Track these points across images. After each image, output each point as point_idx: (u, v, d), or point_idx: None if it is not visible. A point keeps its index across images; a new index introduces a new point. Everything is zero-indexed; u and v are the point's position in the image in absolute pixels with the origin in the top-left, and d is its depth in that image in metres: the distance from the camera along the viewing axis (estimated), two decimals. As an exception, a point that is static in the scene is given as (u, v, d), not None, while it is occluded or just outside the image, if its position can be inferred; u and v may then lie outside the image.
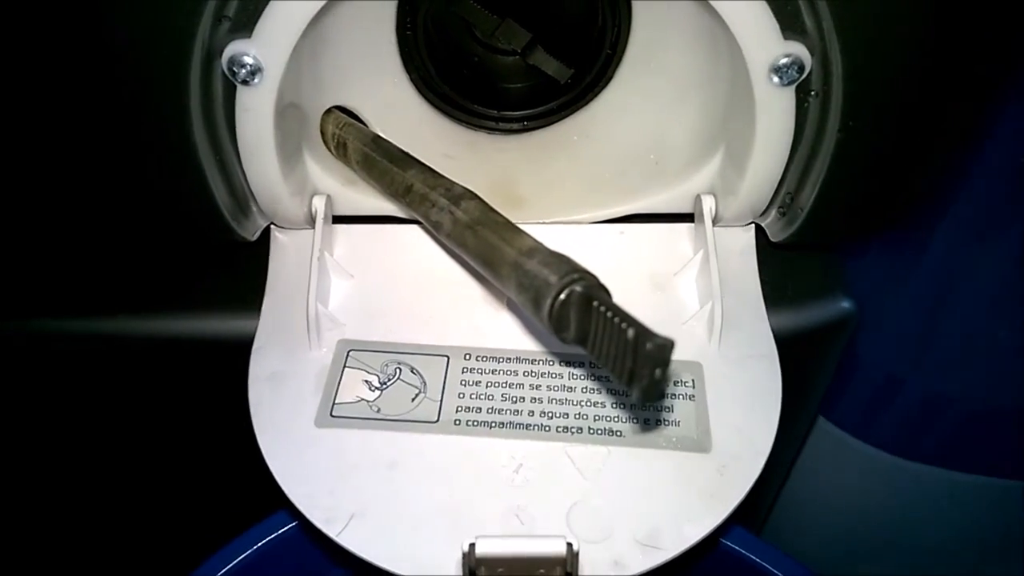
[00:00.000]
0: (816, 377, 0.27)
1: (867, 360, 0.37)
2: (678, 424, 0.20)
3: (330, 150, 0.23)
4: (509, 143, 0.25)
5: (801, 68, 0.18)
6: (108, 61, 0.17)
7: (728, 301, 0.21)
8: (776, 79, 0.18)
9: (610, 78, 0.23)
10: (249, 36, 0.17)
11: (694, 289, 0.22)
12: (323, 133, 0.23)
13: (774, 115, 0.19)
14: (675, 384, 0.21)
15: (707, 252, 0.22)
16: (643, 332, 0.13)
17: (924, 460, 0.39)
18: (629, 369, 0.13)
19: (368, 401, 0.20)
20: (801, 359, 0.25)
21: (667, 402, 0.20)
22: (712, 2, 0.18)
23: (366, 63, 0.22)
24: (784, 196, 0.21)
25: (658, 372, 0.13)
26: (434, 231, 0.18)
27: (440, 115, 0.24)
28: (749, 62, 0.18)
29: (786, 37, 0.18)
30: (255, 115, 0.19)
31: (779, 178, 0.20)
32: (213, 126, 0.19)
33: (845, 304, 0.24)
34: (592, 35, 0.23)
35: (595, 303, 0.14)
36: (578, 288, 0.14)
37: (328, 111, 0.23)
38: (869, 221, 0.23)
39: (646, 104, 0.23)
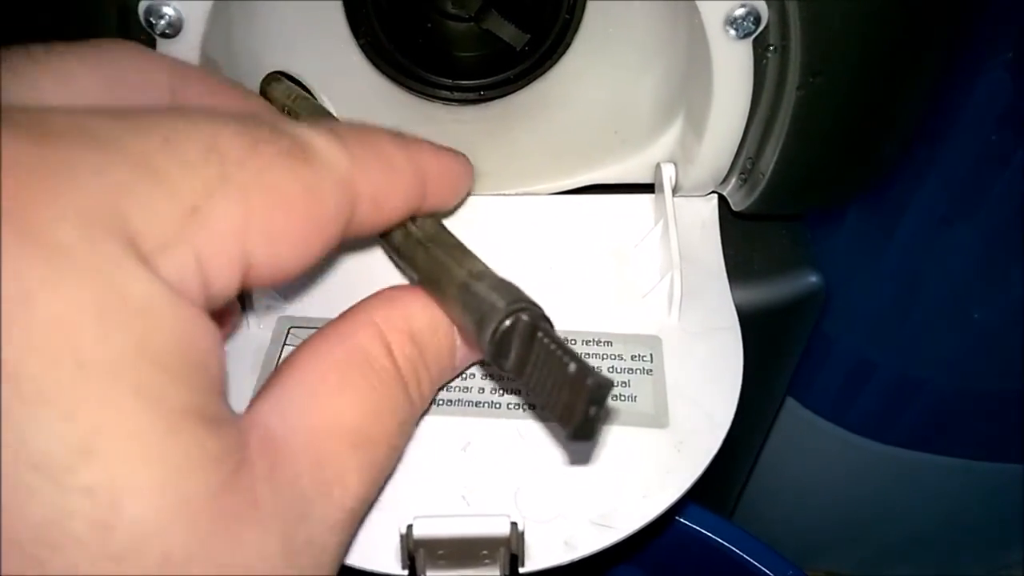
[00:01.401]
0: (784, 355, 0.26)
1: (838, 341, 0.37)
2: (635, 399, 0.19)
3: (274, 119, 0.22)
4: (465, 114, 0.24)
5: (757, 19, 0.17)
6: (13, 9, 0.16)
7: (689, 273, 0.21)
8: (732, 31, 0.17)
9: (568, 44, 0.22)
10: (169, -15, 0.16)
11: (654, 260, 0.22)
12: (270, 100, 0.22)
13: (731, 71, 0.18)
14: (632, 359, 0.20)
15: (667, 222, 0.21)
16: (584, 368, 0.13)
17: (898, 443, 0.38)
18: (564, 404, 0.13)
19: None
20: (768, 335, 0.24)
21: (624, 377, 0.19)
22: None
23: (309, 26, 0.21)
24: (745, 161, 0.20)
25: (593, 410, 0.13)
26: (383, 241, 0.17)
27: (392, 84, 0.23)
28: (704, 15, 0.17)
29: (742, -12, 0.17)
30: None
31: (739, 140, 0.20)
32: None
33: (813, 278, 0.24)
34: (549, 1, 0.22)
35: (539, 334, 0.14)
36: (525, 317, 0.14)
37: (274, 78, 0.22)
38: (834, 189, 0.22)
39: (606, 71, 0.22)
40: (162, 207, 0.10)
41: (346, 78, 0.22)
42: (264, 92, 0.22)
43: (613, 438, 0.18)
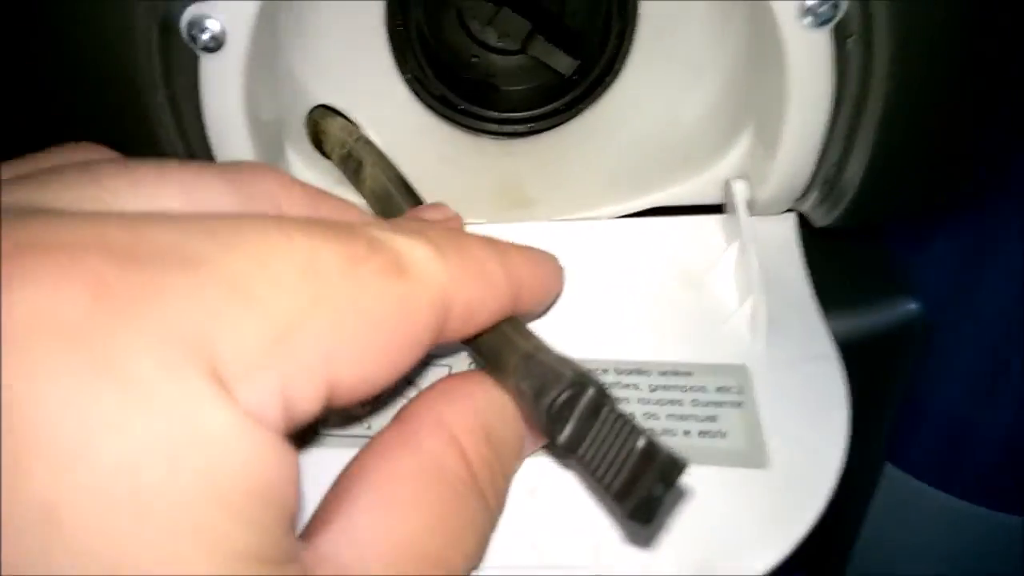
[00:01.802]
0: (884, 396, 0.23)
1: (934, 394, 0.33)
2: (724, 435, 0.16)
3: (323, 152, 0.21)
4: (516, 146, 0.23)
5: (836, 4, 0.15)
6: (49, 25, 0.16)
7: (772, 296, 0.18)
8: (808, 20, 0.16)
9: (618, 70, 0.21)
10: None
11: (731, 285, 0.20)
12: (323, 133, 0.21)
13: (809, 64, 0.16)
14: (718, 390, 0.17)
15: (743, 242, 0.19)
16: (656, 443, 0.12)
17: (1015, 511, 0.34)
18: (625, 480, 0.12)
19: (359, 418, 0.17)
20: (863, 373, 0.21)
21: (710, 411, 0.17)
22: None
23: (354, 61, 0.21)
24: (827, 169, 0.18)
25: (659, 488, 0.12)
26: None
27: (439, 119, 0.22)
28: (776, 10, 0.16)
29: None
30: (221, 89, 0.17)
31: (820, 147, 0.18)
32: (176, 104, 0.17)
33: (912, 305, 0.21)
34: (598, 24, 0.21)
35: (606, 408, 0.13)
36: (591, 390, 0.13)
37: (327, 111, 0.21)
38: (934, 191, 0.20)
39: (662, 91, 0.21)
40: (250, 332, 0.10)
41: (392, 112, 0.22)
42: (316, 125, 0.21)
43: (702, 480, 0.15)
